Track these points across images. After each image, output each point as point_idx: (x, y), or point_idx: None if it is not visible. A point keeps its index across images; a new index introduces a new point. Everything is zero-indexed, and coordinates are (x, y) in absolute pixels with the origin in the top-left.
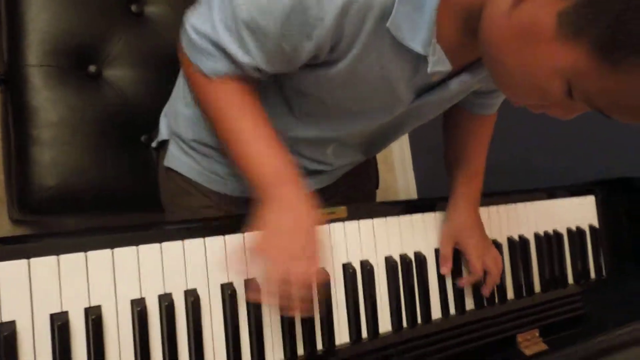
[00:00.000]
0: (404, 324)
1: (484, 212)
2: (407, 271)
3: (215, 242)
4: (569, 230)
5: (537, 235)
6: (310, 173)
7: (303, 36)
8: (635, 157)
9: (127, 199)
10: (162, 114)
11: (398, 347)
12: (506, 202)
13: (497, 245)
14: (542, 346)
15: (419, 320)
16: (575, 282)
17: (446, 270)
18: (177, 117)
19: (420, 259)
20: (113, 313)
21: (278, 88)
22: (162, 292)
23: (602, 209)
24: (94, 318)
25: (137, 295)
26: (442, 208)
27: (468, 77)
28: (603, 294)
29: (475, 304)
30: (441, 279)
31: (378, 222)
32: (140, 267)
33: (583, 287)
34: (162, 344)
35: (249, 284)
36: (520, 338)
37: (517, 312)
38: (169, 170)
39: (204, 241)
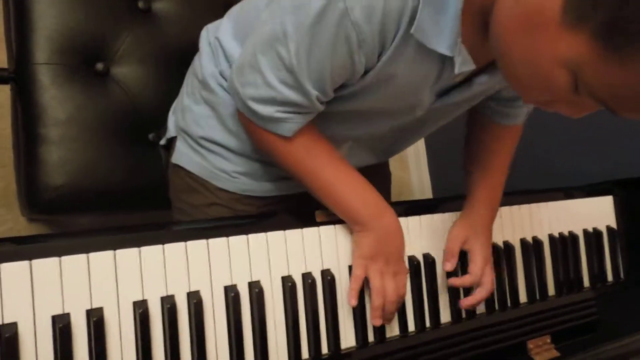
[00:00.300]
0: (412, 328)
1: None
2: (415, 274)
3: (218, 243)
4: (585, 232)
5: (551, 237)
6: None
7: (353, 63)
8: None
9: (135, 197)
10: (171, 111)
11: (405, 353)
12: (520, 202)
13: (509, 247)
14: (554, 353)
15: (428, 324)
16: (591, 286)
17: (450, 266)
18: (184, 113)
19: (429, 261)
20: (115, 315)
21: None
22: (164, 294)
23: (621, 210)
24: (95, 320)
25: (139, 297)
26: (457, 208)
27: (486, 77)
28: (620, 298)
29: (487, 308)
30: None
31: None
32: (143, 268)
33: (600, 290)
34: (164, 347)
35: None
36: (531, 344)
37: (529, 317)
38: (176, 167)
39: (207, 243)
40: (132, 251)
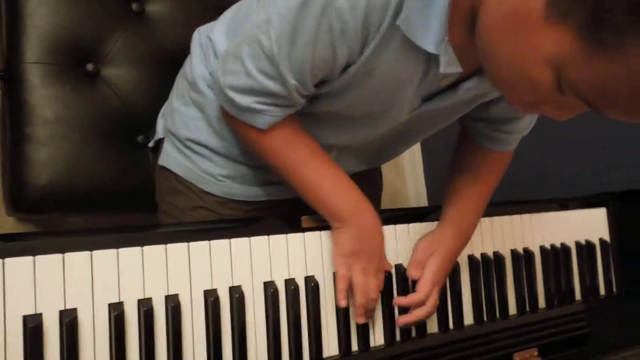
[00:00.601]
0: (397, 337)
1: (486, 222)
2: (402, 282)
3: (200, 247)
4: (578, 244)
5: (543, 248)
6: None
7: (334, 52)
8: None
9: (122, 199)
10: (160, 114)
11: None
12: (512, 212)
13: (499, 257)
14: None
15: (413, 334)
16: (583, 299)
17: (417, 274)
18: (173, 115)
19: None
20: (90, 317)
21: None
22: (142, 297)
23: (614, 222)
24: (68, 321)
25: (115, 299)
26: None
27: (473, 83)
28: (611, 312)
29: (475, 318)
30: (441, 291)
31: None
32: (120, 270)
33: (591, 303)
34: (139, 351)
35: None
36: (517, 357)
37: (518, 328)
38: (163, 168)
39: (187, 246)
40: (110, 252)
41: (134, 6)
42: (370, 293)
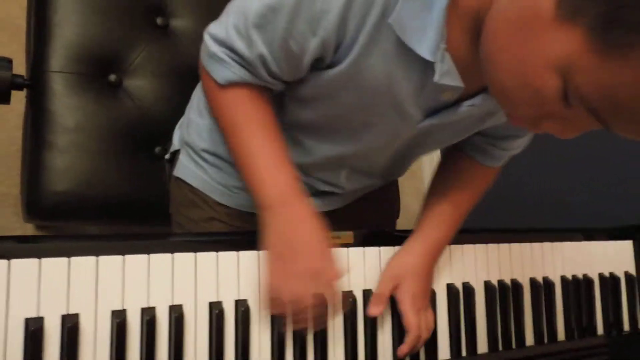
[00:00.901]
0: None
1: (505, 248)
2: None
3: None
4: (601, 276)
5: (564, 279)
6: (318, 194)
7: (309, 33)
8: None
9: (136, 210)
10: (177, 125)
11: None
12: (533, 240)
13: (517, 286)
14: None
15: None
16: (605, 333)
17: (377, 311)
18: (189, 126)
19: None
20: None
21: (280, 109)
22: (171, 303)
23: None
24: (70, 326)
25: (145, 305)
26: (465, 241)
27: (479, 100)
28: (635, 348)
29: (490, 346)
30: (452, 315)
31: (385, 250)
32: (150, 276)
33: (614, 339)
34: (168, 358)
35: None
36: None
37: (535, 359)
38: (178, 180)
39: (216, 255)
40: (116, 258)
41: (159, 20)
42: (302, 302)
